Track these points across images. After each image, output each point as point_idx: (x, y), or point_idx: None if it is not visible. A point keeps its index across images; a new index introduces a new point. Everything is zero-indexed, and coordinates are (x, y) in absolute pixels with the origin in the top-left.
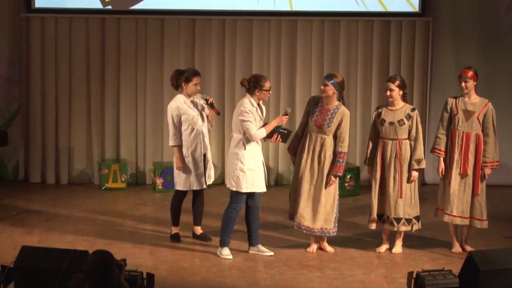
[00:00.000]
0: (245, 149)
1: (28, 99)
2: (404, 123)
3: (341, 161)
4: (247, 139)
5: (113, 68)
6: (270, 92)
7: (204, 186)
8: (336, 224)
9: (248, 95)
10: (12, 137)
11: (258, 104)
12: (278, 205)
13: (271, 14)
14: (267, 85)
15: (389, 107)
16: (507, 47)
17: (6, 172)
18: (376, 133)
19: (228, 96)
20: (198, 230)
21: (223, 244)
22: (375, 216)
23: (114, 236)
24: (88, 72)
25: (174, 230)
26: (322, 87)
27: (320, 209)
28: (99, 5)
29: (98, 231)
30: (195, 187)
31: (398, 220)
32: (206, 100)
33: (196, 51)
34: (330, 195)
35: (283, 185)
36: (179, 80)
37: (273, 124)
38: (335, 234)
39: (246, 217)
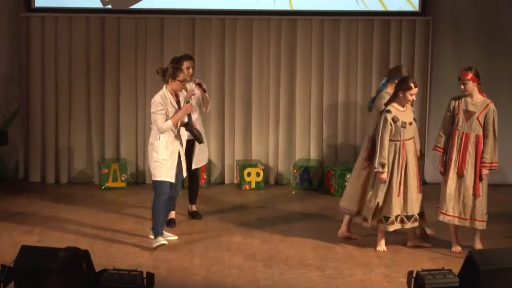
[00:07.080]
0: (159, 139)
1: (28, 98)
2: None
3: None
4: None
5: (113, 68)
6: (185, 83)
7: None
8: None
9: (164, 87)
10: (12, 137)
11: (176, 94)
12: (278, 204)
13: (271, 14)
14: (181, 76)
15: (401, 109)
16: (507, 46)
17: (6, 171)
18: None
19: (228, 95)
20: (192, 208)
21: (157, 234)
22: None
23: (114, 236)
24: (88, 72)
25: (171, 215)
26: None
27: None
28: (99, 5)
29: (98, 231)
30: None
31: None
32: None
33: (196, 50)
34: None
35: (283, 184)
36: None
37: (179, 115)
38: None
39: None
